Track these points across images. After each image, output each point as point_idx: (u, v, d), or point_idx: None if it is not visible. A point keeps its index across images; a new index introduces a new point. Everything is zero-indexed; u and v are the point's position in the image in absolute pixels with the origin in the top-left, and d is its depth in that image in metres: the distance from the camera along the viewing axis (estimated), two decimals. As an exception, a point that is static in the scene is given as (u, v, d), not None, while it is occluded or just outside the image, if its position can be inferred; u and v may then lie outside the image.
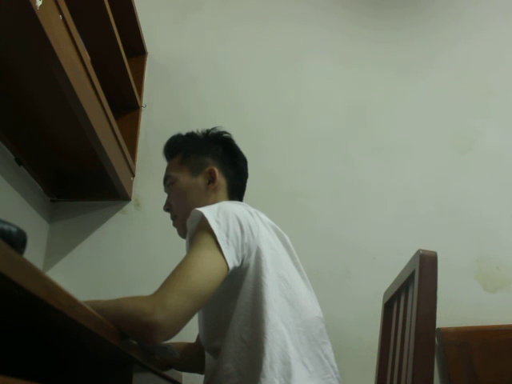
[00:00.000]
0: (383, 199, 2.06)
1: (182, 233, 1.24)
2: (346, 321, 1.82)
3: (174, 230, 1.29)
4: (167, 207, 1.30)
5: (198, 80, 2.25)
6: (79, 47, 1.33)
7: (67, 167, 1.89)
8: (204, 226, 1.01)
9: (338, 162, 2.12)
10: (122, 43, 1.85)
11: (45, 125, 1.62)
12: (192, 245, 1.00)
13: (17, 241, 0.54)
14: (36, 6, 1.05)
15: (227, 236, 1.00)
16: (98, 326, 0.65)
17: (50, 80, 1.29)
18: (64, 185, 1.94)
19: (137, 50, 2.23)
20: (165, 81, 2.24)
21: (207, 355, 1.15)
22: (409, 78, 2.29)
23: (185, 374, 1.54)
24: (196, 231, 1.02)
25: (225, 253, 0.98)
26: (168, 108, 2.19)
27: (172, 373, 1.29)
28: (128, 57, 1.96)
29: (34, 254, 1.81)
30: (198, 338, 1.38)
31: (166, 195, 1.32)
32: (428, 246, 1.05)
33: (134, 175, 2.04)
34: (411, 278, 1.08)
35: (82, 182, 1.95)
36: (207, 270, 0.94)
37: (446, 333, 1.77)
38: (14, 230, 0.54)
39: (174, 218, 1.29)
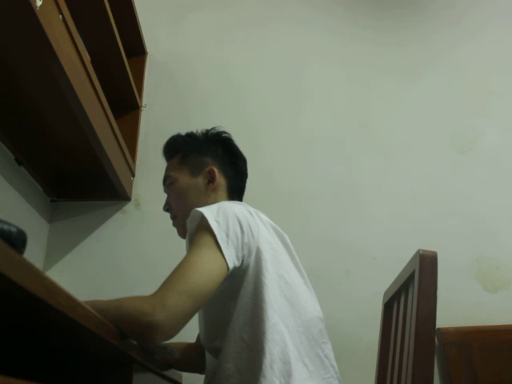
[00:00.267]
0: (383, 199, 2.06)
1: (182, 233, 1.24)
2: (346, 321, 1.82)
3: (174, 230, 1.29)
4: (167, 207, 1.30)
5: (198, 80, 2.25)
6: (79, 47, 1.33)
7: (67, 167, 1.89)
8: (204, 226, 1.01)
9: (338, 163, 2.12)
10: (122, 43, 1.85)
11: (45, 125, 1.62)
12: (192, 245, 1.00)
13: (17, 241, 0.54)
14: (36, 6, 1.05)
15: (227, 236, 1.00)
16: (98, 326, 0.65)
17: (50, 80, 1.29)
18: (64, 185, 1.94)
19: (137, 50, 2.23)
20: (165, 81, 2.24)
21: (208, 355, 1.15)
22: (409, 78, 2.29)
23: (185, 374, 1.54)
24: (196, 231, 1.02)
25: (225, 253, 0.98)
26: (168, 108, 2.19)
27: (172, 373, 1.29)
28: (128, 57, 1.96)
29: (34, 254, 1.81)
30: (198, 338, 1.38)
31: (165, 195, 1.32)
32: (428, 246, 1.05)
33: (133, 175, 2.04)
34: (411, 278, 1.08)
35: (82, 181, 1.95)
36: (207, 270, 0.94)
37: (446, 333, 1.77)
38: (13, 230, 0.54)
39: (173, 217, 1.29)
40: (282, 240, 1.18)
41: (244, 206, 1.15)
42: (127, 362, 0.81)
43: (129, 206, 2.02)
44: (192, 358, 1.36)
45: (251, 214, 1.11)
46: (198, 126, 1.37)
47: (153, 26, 2.28)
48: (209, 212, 1.03)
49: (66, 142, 1.70)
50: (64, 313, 0.54)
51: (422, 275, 1.00)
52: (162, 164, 1.35)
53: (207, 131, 1.34)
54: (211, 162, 1.28)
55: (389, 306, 1.35)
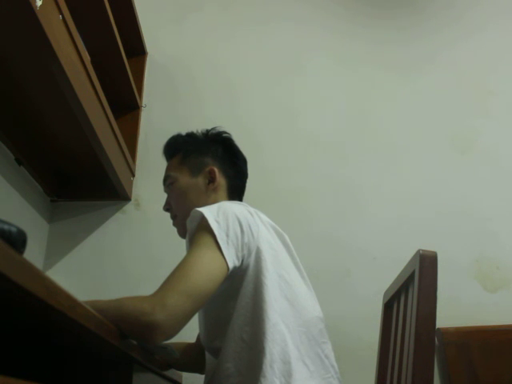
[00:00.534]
0: (383, 199, 2.06)
1: (182, 233, 1.24)
2: (346, 320, 1.82)
3: (174, 229, 1.29)
4: (167, 207, 1.30)
5: (197, 80, 2.25)
6: (79, 47, 1.33)
7: (67, 167, 1.89)
8: (204, 226, 1.01)
9: (338, 162, 2.12)
10: (122, 43, 1.85)
11: (45, 125, 1.62)
12: (192, 245, 1.00)
13: (17, 241, 0.54)
14: (36, 6, 1.05)
15: (227, 236, 1.00)
16: (98, 326, 0.65)
17: (50, 80, 1.29)
18: (64, 185, 1.94)
19: (137, 50, 2.23)
20: (165, 81, 2.24)
21: (207, 355, 1.15)
22: (409, 78, 2.29)
23: (185, 374, 1.54)
24: (196, 231, 1.02)
25: (225, 253, 0.98)
26: (168, 108, 2.19)
27: (172, 373, 1.29)
28: (128, 57, 1.96)
29: (34, 254, 1.81)
30: (198, 338, 1.38)
31: (165, 195, 1.32)
32: (428, 246, 1.05)
33: (133, 175, 2.04)
34: (411, 278, 1.08)
35: (82, 182, 1.95)
36: (207, 270, 0.94)
37: (446, 333, 1.77)
38: (13, 230, 0.54)
39: (173, 217, 1.29)
40: (282, 240, 1.18)
41: (244, 206, 1.15)
42: (127, 362, 0.81)
43: (129, 206, 2.02)
44: (192, 357, 1.36)
45: (251, 213, 1.11)
46: (198, 126, 1.37)
47: (153, 26, 2.28)
48: (209, 212, 1.03)
49: (66, 142, 1.70)
50: (64, 313, 0.54)
51: (422, 275, 1.01)
52: (162, 164, 1.35)
53: (207, 131, 1.34)
54: (211, 162, 1.28)
55: (389, 306, 1.35)
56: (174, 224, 1.29)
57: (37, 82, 1.39)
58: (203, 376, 1.21)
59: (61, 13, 1.20)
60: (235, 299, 1.04)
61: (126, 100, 2.07)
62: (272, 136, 2.16)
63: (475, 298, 1.89)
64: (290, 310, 1.06)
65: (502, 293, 1.91)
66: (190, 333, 1.20)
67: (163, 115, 2.17)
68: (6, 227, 0.53)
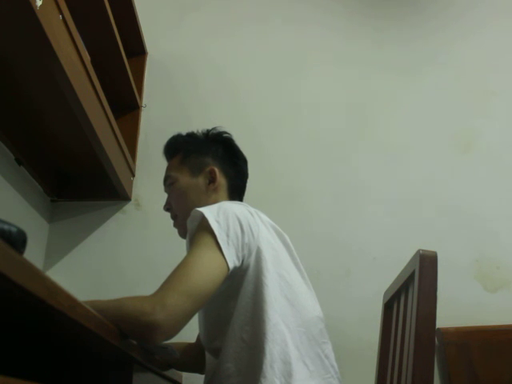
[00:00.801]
0: (383, 199, 2.06)
1: (183, 233, 1.24)
2: (346, 321, 1.82)
3: (174, 230, 1.29)
4: (167, 207, 1.30)
5: (198, 80, 2.25)
6: (79, 47, 1.33)
7: (67, 167, 1.90)
8: (204, 226, 1.01)
9: (338, 162, 2.12)
10: (122, 43, 1.85)
11: (45, 125, 1.62)
12: (192, 245, 1.00)
13: (17, 241, 0.54)
14: (36, 6, 1.05)
15: (227, 236, 1.00)
16: (99, 326, 0.65)
17: (50, 80, 1.29)
18: (64, 185, 1.94)
19: (137, 50, 2.23)
20: (165, 81, 2.24)
21: (207, 355, 1.15)
22: (409, 78, 2.29)
23: (185, 374, 1.54)
24: (196, 231, 1.02)
25: (225, 253, 0.98)
26: (168, 108, 2.19)
27: (172, 373, 1.29)
28: (128, 57, 1.96)
29: (34, 254, 1.81)
30: (198, 338, 1.38)
31: (166, 195, 1.32)
32: (428, 246, 1.05)
33: (133, 175, 2.04)
34: (411, 278, 1.08)
35: (82, 181, 1.95)
36: (207, 270, 0.94)
37: (446, 333, 1.77)
38: (13, 229, 0.54)
39: (174, 217, 1.29)
40: (283, 240, 1.18)
41: (244, 206, 1.15)
42: (127, 362, 0.81)
43: (129, 206, 2.02)
44: (192, 357, 1.36)
45: (251, 213, 1.11)
46: (198, 125, 1.37)
47: (153, 26, 2.28)
48: (209, 212, 1.03)
49: (66, 142, 1.70)
50: (64, 313, 0.54)
51: (421, 275, 1.01)
52: (162, 164, 1.35)
53: (208, 131, 1.34)
54: (212, 162, 1.28)
55: (389, 306, 1.35)
56: (175, 224, 1.29)
57: (37, 82, 1.39)
58: (203, 376, 1.21)
59: (61, 13, 1.20)
60: (235, 299, 1.05)
61: (126, 100, 2.07)
62: (272, 136, 2.16)
63: (475, 298, 1.89)
64: (290, 310, 1.06)
65: (501, 293, 1.91)
66: (190, 333, 1.20)
67: (163, 115, 2.17)
68: (6, 227, 0.53)
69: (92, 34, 1.69)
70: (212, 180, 1.25)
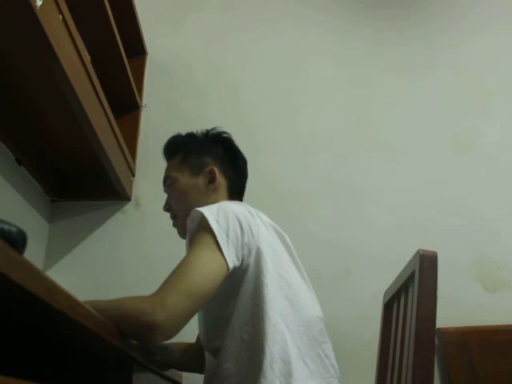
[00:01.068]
0: (383, 199, 2.06)
1: (182, 233, 1.24)
2: (346, 320, 1.82)
3: (174, 230, 1.29)
4: (167, 207, 1.30)
5: (198, 80, 2.25)
6: (79, 47, 1.33)
7: (67, 167, 1.89)
8: (204, 226, 1.01)
9: (338, 162, 2.12)
10: (122, 43, 1.85)
11: (45, 125, 1.62)
12: (192, 244, 1.00)
13: (17, 241, 0.54)
14: (36, 6, 1.05)
15: (227, 236, 1.00)
16: (98, 326, 0.65)
17: (50, 80, 1.29)
18: (64, 185, 1.94)
19: (137, 50, 2.23)
20: (165, 81, 2.24)
21: (207, 355, 1.15)
22: (409, 79, 2.29)
23: (185, 374, 1.54)
24: (196, 231, 1.02)
25: (225, 252, 0.98)
26: (168, 108, 2.19)
27: (172, 373, 1.29)
28: (128, 57, 1.96)
29: (34, 254, 1.81)
30: (198, 338, 1.38)
31: (165, 195, 1.32)
32: (428, 246, 1.05)
33: (133, 175, 2.04)
34: (411, 278, 1.08)
35: (82, 182, 1.95)
36: (207, 270, 0.94)
37: (446, 333, 1.77)
38: (13, 229, 0.54)
39: (174, 217, 1.29)
40: (282, 240, 1.18)
41: (244, 205, 1.15)
42: (127, 362, 0.81)
43: (129, 206, 2.02)
44: (192, 357, 1.36)
45: (251, 213, 1.11)
46: (198, 126, 1.37)
47: (153, 26, 2.28)
48: (209, 212, 1.03)
49: (66, 142, 1.71)
50: (64, 313, 0.54)
51: (421, 275, 1.00)
52: (162, 164, 1.35)
53: (208, 131, 1.34)
54: (211, 162, 1.28)
55: (389, 306, 1.35)
56: (174, 224, 1.29)
57: (37, 82, 1.39)
58: (203, 376, 1.21)
59: (61, 13, 1.20)
60: (235, 299, 1.05)
61: (126, 100, 2.07)
62: (272, 136, 2.16)
63: (475, 298, 1.89)
64: (290, 310, 1.06)
65: (501, 293, 1.91)
66: (190, 333, 1.20)
67: (163, 115, 2.17)
68: (6, 227, 0.53)
69: (92, 33, 1.69)
70: (212, 180, 1.25)
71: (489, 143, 2.16)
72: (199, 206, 1.07)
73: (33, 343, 0.71)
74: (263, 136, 2.15)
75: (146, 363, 0.89)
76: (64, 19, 1.22)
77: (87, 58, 1.45)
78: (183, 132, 1.36)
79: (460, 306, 1.84)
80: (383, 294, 1.42)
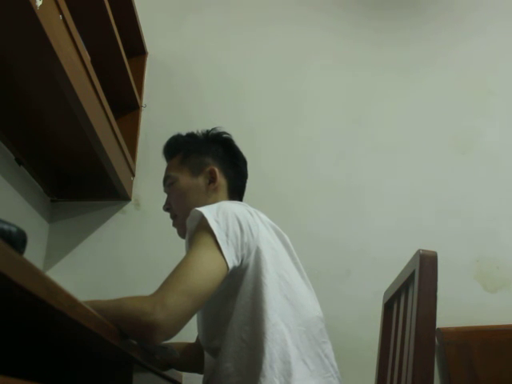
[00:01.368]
0: (383, 199, 2.06)
1: (182, 233, 1.24)
2: (346, 321, 1.82)
3: (174, 230, 1.29)
4: (167, 207, 1.30)
5: (198, 80, 2.25)
6: (79, 47, 1.33)
7: (67, 167, 1.89)
8: (204, 226, 1.01)
9: (338, 162, 2.12)
10: (122, 43, 1.85)
11: (45, 125, 1.62)
12: (192, 244, 1.00)
13: (17, 241, 0.54)
14: (36, 6, 1.05)
15: (227, 236, 1.00)
16: (98, 326, 0.65)
17: (50, 80, 1.29)
18: (64, 185, 1.94)
19: (137, 50, 2.23)
20: (165, 81, 2.24)
21: (206, 354, 1.15)
22: (409, 79, 2.29)
23: (185, 374, 1.54)
24: (196, 231, 1.02)
25: (224, 252, 0.98)
26: (168, 108, 2.19)
27: (172, 373, 1.29)
28: (128, 57, 1.96)
29: (34, 254, 1.81)
30: (197, 338, 1.38)
31: (165, 195, 1.32)
32: (428, 246, 1.05)
33: (134, 175, 2.04)
34: (411, 278, 1.08)
35: (82, 182, 1.95)
36: (207, 270, 0.94)
37: (446, 333, 1.77)
38: (13, 229, 0.54)
39: (173, 217, 1.29)
40: (282, 240, 1.18)
41: (244, 205, 1.15)
42: (127, 362, 0.81)
43: (129, 206, 2.02)
44: (192, 357, 1.36)
45: (251, 213, 1.11)
46: (198, 126, 1.37)
47: (153, 26, 2.28)
48: (208, 212, 1.03)
49: (66, 142, 1.70)
50: (64, 313, 0.54)
51: (422, 275, 1.00)
52: (162, 164, 1.35)
53: (208, 131, 1.34)
54: (212, 162, 1.28)
55: (389, 306, 1.35)
56: (174, 224, 1.29)
57: (37, 82, 1.39)
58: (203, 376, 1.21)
59: (61, 13, 1.20)
60: (234, 299, 1.05)
61: (126, 100, 2.07)
62: (272, 136, 2.16)
63: (475, 298, 1.89)
64: (290, 310, 1.06)
65: (501, 293, 1.91)
66: (189, 333, 1.20)
67: (163, 115, 2.17)
68: (5, 227, 0.53)
69: (92, 33, 1.69)
70: (212, 180, 1.25)
71: (489, 143, 2.16)
72: (199, 206, 1.07)
73: (33, 343, 0.71)
74: (263, 136, 2.15)
75: (146, 363, 0.89)
76: (64, 19, 1.22)
77: (87, 57, 1.45)
78: (183, 132, 1.36)
79: (460, 306, 1.84)
80: (383, 294, 1.42)
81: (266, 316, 1.01)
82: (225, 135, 1.34)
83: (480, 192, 2.07)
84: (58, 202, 1.98)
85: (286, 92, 2.25)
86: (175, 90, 2.23)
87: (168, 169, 1.31)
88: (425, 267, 1.01)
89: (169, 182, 1.29)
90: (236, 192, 1.30)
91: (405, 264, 1.16)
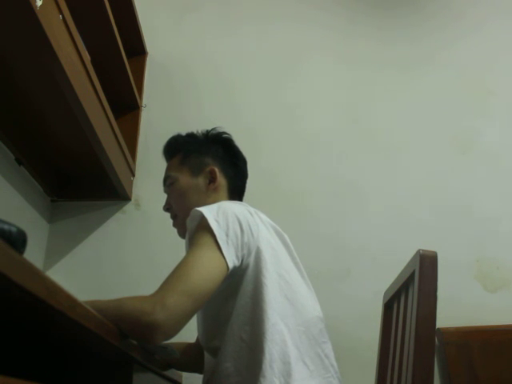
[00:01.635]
0: (383, 199, 2.06)
1: (182, 233, 1.24)
2: (346, 320, 1.82)
3: (174, 230, 1.29)
4: (167, 207, 1.30)
5: (197, 80, 2.25)
6: (79, 47, 1.33)
7: (67, 167, 1.89)
8: (204, 226, 1.01)
9: (337, 162, 2.12)
10: (122, 43, 1.85)
11: (45, 125, 1.62)
12: (192, 244, 1.00)
13: (17, 241, 0.54)
14: (36, 6, 1.05)
15: (227, 235, 1.00)
16: (98, 326, 0.65)
17: (50, 80, 1.29)
18: (64, 185, 1.94)
19: (137, 50, 2.23)
20: (165, 81, 2.24)
21: (206, 354, 1.15)
22: (408, 77, 2.29)
23: (185, 374, 1.54)
24: (196, 231, 1.02)
25: (224, 252, 0.98)
26: (168, 108, 2.19)
27: (172, 373, 1.29)
28: (128, 57, 1.96)
29: (34, 254, 1.81)
30: (197, 338, 1.38)
31: (165, 195, 1.32)
32: (428, 246, 1.05)
33: (134, 175, 2.04)
34: (411, 278, 1.08)
35: (82, 181, 1.95)
36: (207, 270, 0.94)
37: (446, 333, 1.77)
38: (13, 229, 0.54)
39: (174, 217, 1.29)
40: (282, 240, 1.18)
41: (244, 205, 1.15)
42: (127, 362, 0.81)
43: (129, 206, 2.02)
44: (192, 357, 1.36)
45: (251, 213, 1.11)
46: (198, 126, 1.37)
47: (153, 26, 2.28)
48: (208, 212, 1.03)
49: (66, 142, 1.70)
50: (64, 313, 0.54)
51: (422, 275, 1.00)
52: (162, 164, 1.35)
53: (208, 132, 1.34)
54: (212, 162, 1.28)
55: (389, 306, 1.35)
56: (174, 224, 1.29)
57: (37, 82, 1.39)
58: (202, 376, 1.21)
59: (61, 13, 1.20)
60: (234, 298, 1.05)
61: (126, 100, 2.07)
62: (272, 136, 2.16)
63: (475, 298, 1.89)
64: (290, 310, 1.06)
65: (501, 293, 1.91)
66: (189, 333, 1.20)
67: (163, 115, 2.17)
68: (6, 227, 0.53)
69: (92, 33, 1.69)
70: (212, 180, 1.25)
71: (489, 143, 2.16)
72: (199, 206, 1.07)
73: (33, 343, 0.71)
74: (263, 135, 2.15)
75: (146, 363, 0.89)
76: (64, 19, 1.22)
77: (87, 57, 1.45)
78: (183, 132, 1.36)
79: (460, 306, 1.84)
80: (383, 294, 1.42)
81: (266, 316, 1.01)
82: (225, 135, 1.34)
83: (480, 192, 2.07)
84: (57, 202, 1.98)
85: (286, 91, 2.25)
86: (175, 90, 2.23)
87: (168, 169, 1.31)
88: (425, 267, 1.01)
89: (169, 182, 1.29)
90: (236, 192, 1.30)
91: (405, 264, 1.16)
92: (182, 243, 1.16)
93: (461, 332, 1.78)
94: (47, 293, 0.50)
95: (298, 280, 1.14)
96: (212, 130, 1.34)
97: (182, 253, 1.01)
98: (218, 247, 0.98)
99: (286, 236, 1.20)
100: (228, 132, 1.35)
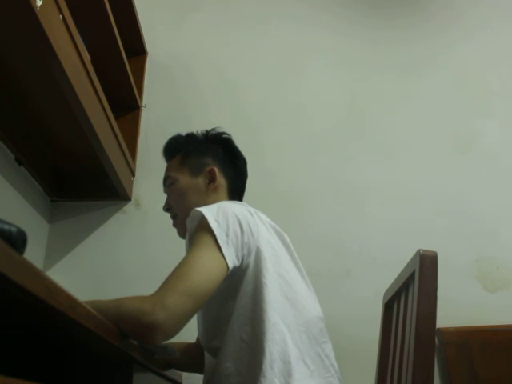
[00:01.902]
0: (383, 199, 2.06)
1: (182, 233, 1.24)
2: (346, 321, 1.82)
3: (174, 230, 1.29)
4: (167, 207, 1.30)
5: (198, 80, 2.25)
6: (79, 47, 1.33)
7: (67, 167, 1.90)
8: (204, 226, 1.01)
9: (338, 162, 2.12)
10: (122, 43, 1.85)
11: (45, 125, 1.62)
12: (192, 244, 1.00)
13: (17, 241, 0.54)
14: (36, 6, 1.05)
15: (227, 236, 1.00)
16: (98, 326, 0.65)
17: (49, 80, 1.29)
18: (64, 185, 1.94)
19: (137, 50, 2.23)
20: (165, 81, 2.24)
21: (206, 355, 1.15)
22: (409, 78, 2.29)
23: (185, 374, 1.53)
24: (196, 231, 1.02)
25: (225, 252, 0.98)
26: (168, 108, 2.19)
27: (172, 373, 1.29)
28: (128, 57, 1.96)
29: (34, 254, 1.81)
30: (198, 338, 1.38)
31: (165, 195, 1.32)
32: (428, 246, 1.05)
33: (134, 175, 2.04)
34: (411, 278, 1.08)
35: (82, 181, 1.95)
36: (207, 270, 0.94)
37: (446, 333, 1.77)
38: (14, 229, 0.54)
39: (173, 217, 1.29)
40: (282, 240, 1.18)
41: (244, 205, 1.15)
42: (127, 362, 0.81)
43: (129, 206, 2.02)
44: (192, 357, 1.36)
45: (251, 213, 1.11)
46: (198, 126, 1.37)
47: (153, 26, 2.28)
48: (208, 212, 1.03)
49: (66, 142, 1.71)
50: (64, 313, 0.54)
51: (422, 275, 1.00)
52: (162, 164, 1.35)
53: (207, 132, 1.34)
54: (211, 162, 1.28)
55: (389, 306, 1.35)
56: (174, 224, 1.29)
57: (37, 82, 1.39)
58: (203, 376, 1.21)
59: (61, 13, 1.20)
60: (234, 299, 1.05)
61: (126, 100, 2.07)
62: (272, 136, 2.16)
63: (475, 298, 1.89)
64: (290, 310, 1.06)
65: (501, 293, 1.91)
66: (189, 333, 1.20)
67: (163, 115, 2.17)
68: (6, 227, 0.53)
69: (92, 34, 1.69)
70: (212, 180, 1.25)
71: (489, 143, 2.16)
72: (199, 206, 1.07)
73: (33, 343, 0.71)
74: (263, 136, 2.15)
75: (146, 363, 0.89)
76: (64, 19, 1.22)
77: (87, 57, 1.45)
78: (183, 132, 1.36)
79: (460, 306, 1.83)
80: (383, 293, 1.42)
81: (266, 316, 1.01)
82: (224, 135, 1.34)
83: (480, 192, 2.07)
84: (58, 202, 1.98)
85: (286, 91, 2.25)
86: (175, 90, 2.23)
87: (168, 169, 1.31)
88: (425, 267, 1.01)
89: (169, 183, 1.29)
90: (236, 192, 1.30)
91: (405, 264, 1.16)
92: (182, 243, 1.16)
93: (461, 332, 1.78)
94: (47, 293, 0.50)
95: (298, 280, 1.14)
96: (212, 130, 1.34)
97: (182, 253, 1.01)
98: (218, 247, 0.98)
99: (286, 236, 1.20)
100: (228, 132, 1.35)
